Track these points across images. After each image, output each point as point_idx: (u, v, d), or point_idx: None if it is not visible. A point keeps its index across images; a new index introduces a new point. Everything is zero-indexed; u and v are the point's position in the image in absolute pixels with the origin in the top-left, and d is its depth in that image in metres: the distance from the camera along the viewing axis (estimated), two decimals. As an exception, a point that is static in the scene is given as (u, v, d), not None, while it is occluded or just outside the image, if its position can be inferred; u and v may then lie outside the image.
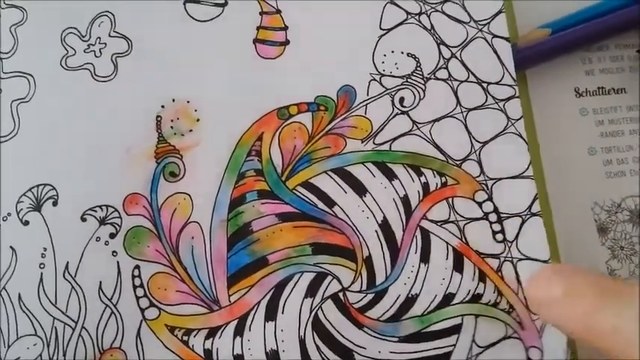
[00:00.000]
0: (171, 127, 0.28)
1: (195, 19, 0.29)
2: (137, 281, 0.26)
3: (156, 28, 0.29)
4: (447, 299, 0.26)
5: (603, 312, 0.20)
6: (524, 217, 0.27)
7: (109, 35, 0.29)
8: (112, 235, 0.26)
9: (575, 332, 0.21)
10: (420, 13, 0.29)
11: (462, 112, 0.28)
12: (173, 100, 0.28)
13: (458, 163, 0.27)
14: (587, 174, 0.29)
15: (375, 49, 0.29)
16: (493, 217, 0.27)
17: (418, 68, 0.28)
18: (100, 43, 0.28)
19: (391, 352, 0.26)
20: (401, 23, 0.29)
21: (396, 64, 0.28)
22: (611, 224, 0.29)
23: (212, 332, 0.26)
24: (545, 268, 0.23)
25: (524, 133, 0.28)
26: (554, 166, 0.29)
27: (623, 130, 0.30)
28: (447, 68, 0.29)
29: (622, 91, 0.30)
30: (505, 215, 0.27)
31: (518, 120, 0.28)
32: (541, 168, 0.29)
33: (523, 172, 0.27)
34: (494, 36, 0.29)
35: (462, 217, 0.27)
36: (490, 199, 0.27)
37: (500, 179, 0.27)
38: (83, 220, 0.26)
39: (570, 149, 0.30)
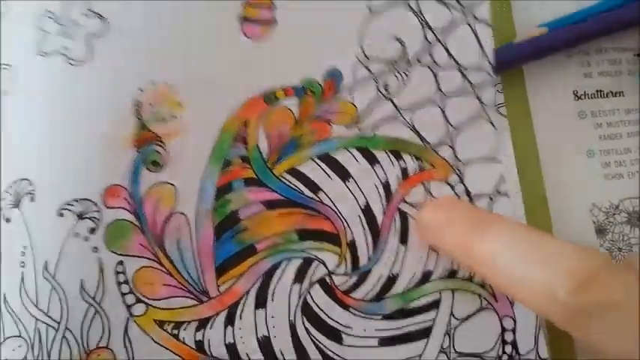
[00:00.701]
0: (152, 112, 0.26)
1: None
2: (121, 277, 0.25)
3: (133, 6, 0.26)
4: (426, 277, 0.27)
5: (479, 239, 0.22)
6: (492, 196, 0.28)
7: (84, 15, 0.26)
8: (92, 230, 0.25)
9: (453, 256, 0.25)
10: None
11: (440, 98, 0.28)
12: (153, 84, 0.26)
13: (434, 147, 0.28)
14: (586, 176, 0.30)
15: (362, 31, 0.28)
16: (464, 198, 0.28)
17: (404, 52, 0.28)
18: (74, 25, 0.25)
19: (376, 330, 0.27)
20: (389, 6, 0.28)
21: (381, 47, 0.28)
22: (609, 226, 0.29)
23: (203, 323, 0.25)
24: (430, 201, 0.27)
25: (495, 118, 0.28)
26: (553, 168, 0.30)
27: (621, 132, 0.30)
28: (430, 53, 0.28)
29: (620, 94, 0.31)
30: (475, 196, 0.28)
31: (490, 106, 0.28)
32: (540, 169, 0.29)
33: (492, 155, 0.28)
34: (478, 20, 0.29)
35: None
36: (462, 181, 0.28)
37: (471, 162, 0.28)
38: (60, 215, 0.24)
39: (569, 152, 0.30)
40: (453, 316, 0.27)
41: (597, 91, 0.31)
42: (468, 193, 0.28)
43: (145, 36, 0.26)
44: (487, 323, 0.27)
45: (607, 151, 0.30)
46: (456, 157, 0.28)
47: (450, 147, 0.28)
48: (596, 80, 0.31)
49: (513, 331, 0.27)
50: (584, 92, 0.30)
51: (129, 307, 0.25)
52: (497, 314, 0.28)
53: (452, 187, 0.28)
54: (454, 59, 0.29)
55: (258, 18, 0.27)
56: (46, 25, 0.26)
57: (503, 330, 0.27)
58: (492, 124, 0.28)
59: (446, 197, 0.28)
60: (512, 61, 0.29)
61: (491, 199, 0.28)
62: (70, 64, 0.26)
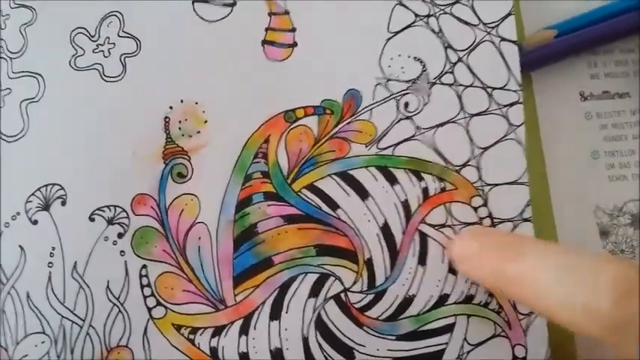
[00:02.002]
0: (179, 128, 0.28)
1: (204, 19, 0.29)
2: (144, 280, 0.27)
3: (164, 28, 0.29)
4: (442, 300, 0.27)
5: (514, 260, 0.23)
6: (515, 222, 0.28)
7: (118, 35, 0.28)
8: (120, 235, 0.27)
9: (488, 282, 0.25)
10: (428, 15, 0.29)
11: (464, 117, 0.28)
12: (181, 101, 0.28)
13: (457, 168, 0.28)
14: (590, 177, 0.30)
15: (382, 52, 0.29)
16: (487, 222, 0.28)
17: (424, 72, 0.29)
18: (108, 43, 0.28)
19: (389, 350, 0.27)
20: (409, 26, 0.29)
21: (402, 67, 0.29)
22: (612, 228, 0.29)
23: (218, 331, 0.27)
24: (464, 231, 0.27)
25: (523, 140, 0.28)
26: (558, 169, 0.30)
27: (627, 134, 0.30)
28: (452, 73, 0.29)
29: (626, 95, 0.31)
30: (498, 220, 0.28)
31: (519, 126, 0.28)
32: (544, 170, 0.30)
33: (519, 179, 0.28)
34: (503, 39, 0.29)
35: (458, 221, 0.28)
36: (485, 204, 0.28)
37: (496, 185, 0.28)
38: (91, 220, 0.27)
39: (574, 152, 0.30)
40: (466, 341, 0.27)
41: (604, 92, 0.31)
42: (491, 217, 0.28)
43: (174, 57, 0.28)
44: (499, 350, 0.27)
45: (612, 152, 0.30)
46: (481, 179, 0.28)
47: (476, 168, 0.28)
48: (602, 81, 0.31)
49: (524, 359, 0.27)
50: (591, 93, 0.31)
51: (150, 309, 0.27)
52: (510, 342, 0.27)
53: (474, 210, 0.28)
54: (478, 79, 0.29)
55: (280, 41, 0.29)
56: (80, 41, 0.28)
57: (514, 358, 0.27)
58: (521, 144, 0.28)
59: (476, 227, 0.28)
60: (521, 67, 0.29)
61: (514, 225, 0.28)
62: (104, 80, 0.28)
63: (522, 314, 0.28)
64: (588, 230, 0.30)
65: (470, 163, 0.28)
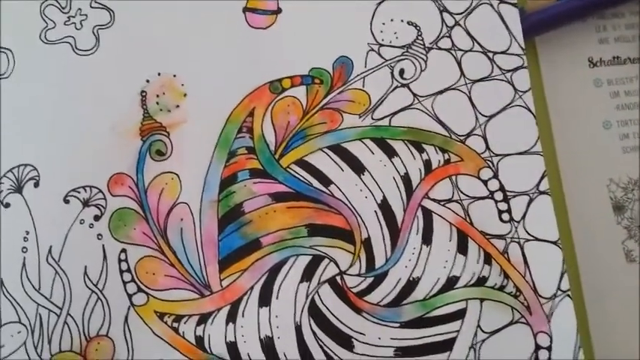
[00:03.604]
0: (157, 102, 0.27)
1: None
2: (124, 265, 0.25)
3: None
4: (451, 282, 0.25)
5: None
6: (531, 195, 0.26)
7: (90, 6, 0.28)
8: (97, 218, 0.26)
9: None
10: (420, -21, 0.28)
11: (465, 83, 0.27)
12: (158, 74, 0.27)
13: (462, 138, 0.26)
14: (602, 149, 0.28)
15: (373, 16, 0.28)
16: (499, 195, 0.26)
17: (419, 37, 0.27)
18: (80, 14, 0.28)
19: (392, 339, 0.25)
20: None
21: (395, 33, 0.27)
22: (627, 202, 0.28)
23: (203, 318, 0.25)
24: None
25: (532, 106, 0.27)
26: (567, 141, 0.28)
27: None
28: (450, 37, 0.27)
29: (638, 60, 0.29)
30: (512, 194, 0.26)
31: (526, 92, 0.27)
32: (552, 143, 0.28)
33: (531, 148, 0.26)
34: (501, 1, 0.28)
35: (466, 195, 0.26)
36: (496, 176, 0.26)
37: (506, 155, 0.26)
38: (66, 201, 0.26)
39: (584, 123, 0.28)
40: (480, 328, 0.25)
41: (614, 57, 0.29)
42: (503, 189, 0.26)
43: (150, 27, 0.28)
44: (519, 339, 0.25)
45: (624, 122, 0.29)
46: (489, 149, 0.27)
47: (482, 137, 0.27)
48: (612, 46, 0.29)
49: (549, 349, 0.25)
50: (600, 59, 0.29)
51: (130, 296, 0.25)
52: (532, 329, 0.25)
53: (484, 183, 0.26)
54: (478, 43, 0.27)
55: (262, 8, 0.28)
56: (51, 13, 0.28)
57: (537, 347, 0.25)
58: (530, 111, 0.27)
59: None
60: (524, 31, 0.28)
61: (530, 198, 0.26)
62: (76, 53, 0.28)
63: (544, 298, 0.25)
64: (600, 205, 0.28)
65: (475, 133, 0.26)
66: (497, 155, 0.26)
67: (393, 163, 0.26)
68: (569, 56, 0.29)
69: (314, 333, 0.25)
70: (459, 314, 0.25)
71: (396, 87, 0.27)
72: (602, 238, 0.27)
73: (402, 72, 0.27)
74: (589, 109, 0.29)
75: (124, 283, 0.25)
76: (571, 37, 0.29)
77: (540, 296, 0.25)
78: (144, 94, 0.27)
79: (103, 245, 0.25)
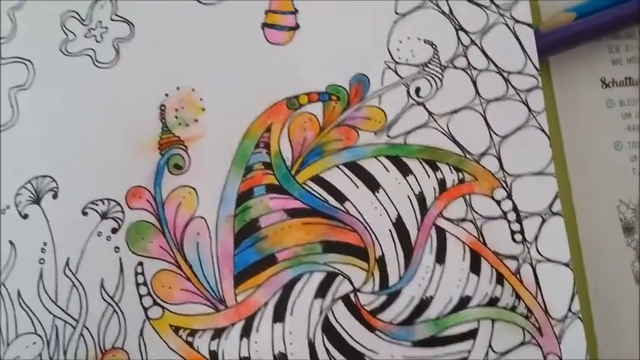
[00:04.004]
0: (176, 116, 0.27)
1: (201, 2, 0.28)
2: (140, 278, 0.25)
3: (159, 12, 0.28)
4: (463, 302, 0.25)
5: None
6: (544, 216, 0.26)
7: (111, 19, 0.28)
8: (114, 230, 0.26)
9: None
10: (438, -3, 0.28)
11: (480, 103, 0.27)
12: (177, 89, 0.27)
13: (476, 158, 0.27)
14: (613, 170, 0.28)
15: (390, 34, 0.28)
16: (512, 216, 0.26)
17: (435, 56, 0.28)
18: (101, 27, 0.28)
19: (404, 357, 0.25)
20: (418, 7, 0.28)
21: (412, 51, 0.27)
22: (637, 224, 0.28)
23: (218, 333, 0.25)
24: None
25: (546, 127, 0.27)
26: (578, 162, 0.28)
27: None
28: (465, 56, 0.28)
29: None
30: (524, 214, 0.26)
31: (540, 113, 0.27)
32: (564, 163, 0.28)
33: (544, 169, 0.26)
34: (517, 22, 0.28)
35: (480, 215, 0.26)
36: (509, 196, 0.26)
37: (520, 175, 0.26)
38: (84, 213, 0.26)
39: (595, 143, 0.29)
40: (492, 348, 0.25)
41: (626, 78, 0.29)
42: (516, 210, 0.26)
43: (170, 41, 0.28)
44: None
45: (635, 143, 0.29)
46: (503, 169, 0.27)
47: (496, 157, 0.27)
48: (625, 67, 0.29)
49: None
50: (613, 80, 0.29)
51: (146, 309, 0.25)
52: (542, 350, 0.25)
53: (498, 203, 0.26)
54: (493, 62, 0.27)
55: (281, 24, 0.28)
56: (72, 25, 0.28)
57: None
58: (544, 131, 0.27)
59: None
60: (538, 51, 0.28)
61: (543, 219, 0.26)
62: (96, 66, 0.28)
63: (555, 319, 0.25)
64: (611, 226, 0.28)
65: (489, 152, 0.27)
66: (510, 175, 0.26)
67: (408, 182, 0.26)
68: (582, 77, 0.29)
69: (327, 350, 0.25)
70: (471, 334, 0.25)
71: (412, 105, 0.27)
72: (613, 259, 0.27)
73: (417, 90, 0.27)
74: (601, 130, 0.29)
75: (140, 296, 0.25)
76: (584, 57, 0.29)
77: (551, 317, 0.25)
78: (163, 107, 0.27)
79: (120, 258, 0.26)
